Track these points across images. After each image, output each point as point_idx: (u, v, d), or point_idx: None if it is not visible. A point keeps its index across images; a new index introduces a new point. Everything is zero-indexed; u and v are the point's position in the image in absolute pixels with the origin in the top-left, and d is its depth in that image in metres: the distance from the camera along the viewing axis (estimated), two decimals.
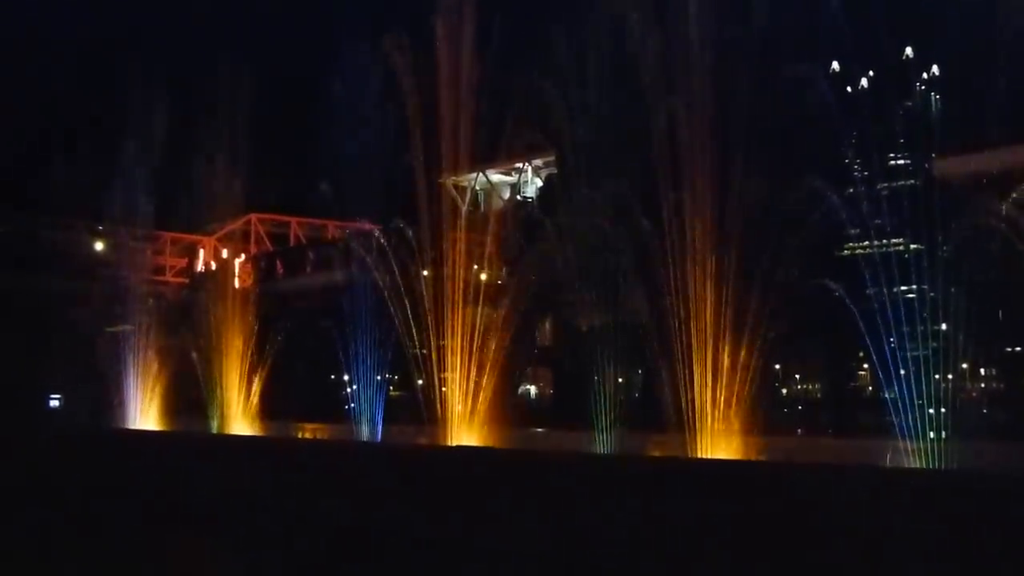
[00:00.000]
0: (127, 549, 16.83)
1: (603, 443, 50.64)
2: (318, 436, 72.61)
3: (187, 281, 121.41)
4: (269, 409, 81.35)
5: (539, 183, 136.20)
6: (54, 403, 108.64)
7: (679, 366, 44.28)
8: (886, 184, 46.16)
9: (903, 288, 41.29)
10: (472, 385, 63.82)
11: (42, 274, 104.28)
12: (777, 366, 72.44)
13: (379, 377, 72.69)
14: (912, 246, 42.20)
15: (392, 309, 69.01)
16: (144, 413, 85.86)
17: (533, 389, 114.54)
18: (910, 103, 53.93)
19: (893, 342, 39.73)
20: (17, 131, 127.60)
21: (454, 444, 55.87)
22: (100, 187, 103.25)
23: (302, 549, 19.29)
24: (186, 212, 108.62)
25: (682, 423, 45.12)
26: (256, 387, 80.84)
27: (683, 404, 43.74)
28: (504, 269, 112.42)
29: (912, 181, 49.11)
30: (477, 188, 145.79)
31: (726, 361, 44.04)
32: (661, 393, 46.01)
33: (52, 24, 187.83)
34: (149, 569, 16.82)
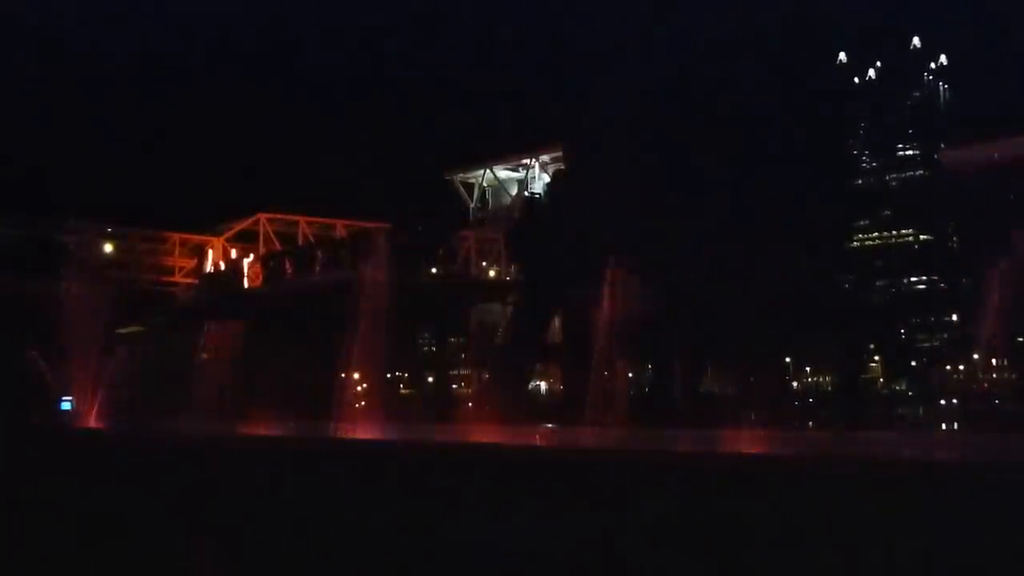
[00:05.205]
0: None
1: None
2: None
3: (196, 281, 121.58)
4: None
5: (546, 178, 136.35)
6: (66, 405, 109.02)
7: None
8: None
9: None
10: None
11: (55, 278, 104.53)
12: None
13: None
14: None
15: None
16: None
17: (543, 385, 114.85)
18: None
19: None
20: (29, 137, 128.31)
21: None
22: (110, 189, 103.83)
23: None
24: (194, 212, 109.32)
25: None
26: None
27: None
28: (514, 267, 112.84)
29: None
30: (484, 184, 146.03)
31: None
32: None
33: (61, 32, 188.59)
34: None
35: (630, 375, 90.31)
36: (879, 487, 29.08)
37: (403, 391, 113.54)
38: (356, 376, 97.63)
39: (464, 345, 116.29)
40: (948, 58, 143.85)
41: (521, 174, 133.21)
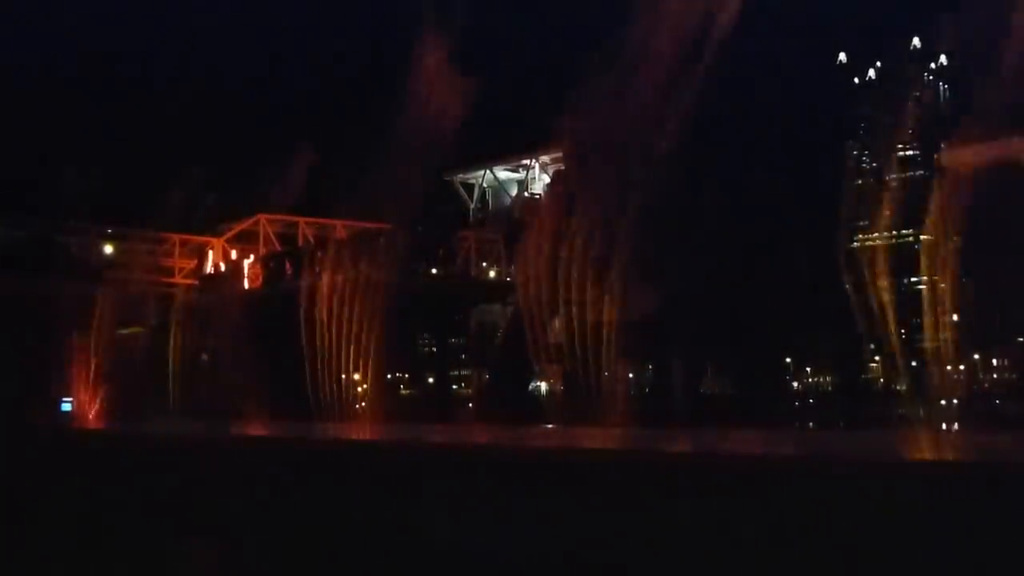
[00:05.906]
0: None
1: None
2: None
3: (196, 282, 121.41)
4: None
5: (546, 178, 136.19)
6: (66, 406, 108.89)
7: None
8: None
9: None
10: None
11: (56, 279, 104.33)
12: None
13: None
14: None
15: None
16: None
17: (544, 386, 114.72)
18: None
19: None
20: (29, 137, 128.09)
21: None
22: (110, 190, 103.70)
23: None
24: (194, 213, 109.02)
25: None
26: None
27: None
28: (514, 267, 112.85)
29: None
30: (484, 185, 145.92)
31: None
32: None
33: (55, 32, 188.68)
34: None
35: (630, 375, 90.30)
36: (879, 487, 29.08)
37: (403, 391, 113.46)
38: (356, 377, 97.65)
39: (464, 345, 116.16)
40: (948, 58, 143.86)
41: (521, 174, 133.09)
